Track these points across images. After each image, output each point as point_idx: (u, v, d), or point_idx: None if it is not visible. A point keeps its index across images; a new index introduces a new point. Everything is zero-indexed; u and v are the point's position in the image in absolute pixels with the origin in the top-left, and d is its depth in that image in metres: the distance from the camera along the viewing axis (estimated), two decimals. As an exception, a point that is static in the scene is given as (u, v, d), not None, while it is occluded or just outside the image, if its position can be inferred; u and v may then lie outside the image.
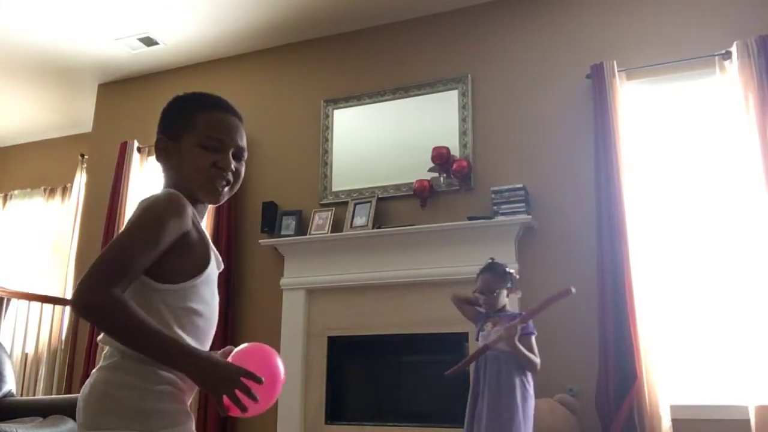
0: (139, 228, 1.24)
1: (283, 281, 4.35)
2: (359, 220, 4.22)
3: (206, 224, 4.55)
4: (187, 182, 1.38)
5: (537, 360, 2.77)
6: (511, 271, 2.95)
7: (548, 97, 4.08)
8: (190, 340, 1.26)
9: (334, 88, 4.67)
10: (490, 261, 2.99)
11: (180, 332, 1.25)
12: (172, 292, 1.27)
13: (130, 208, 4.93)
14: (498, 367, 2.75)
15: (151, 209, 1.26)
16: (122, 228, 1.29)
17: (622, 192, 3.61)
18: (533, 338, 2.80)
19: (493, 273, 2.90)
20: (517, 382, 2.73)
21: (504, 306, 2.91)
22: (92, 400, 1.22)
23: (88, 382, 1.26)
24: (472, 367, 2.88)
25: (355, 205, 4.29)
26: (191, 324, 1.28)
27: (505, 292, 2.89)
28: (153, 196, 1.30)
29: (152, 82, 5.37)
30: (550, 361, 3.66)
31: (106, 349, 1.27)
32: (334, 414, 4.09)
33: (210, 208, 4.60)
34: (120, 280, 1.20)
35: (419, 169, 4.16)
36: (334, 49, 4.79)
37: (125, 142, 5.13)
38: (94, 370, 1.27)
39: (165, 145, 1.41)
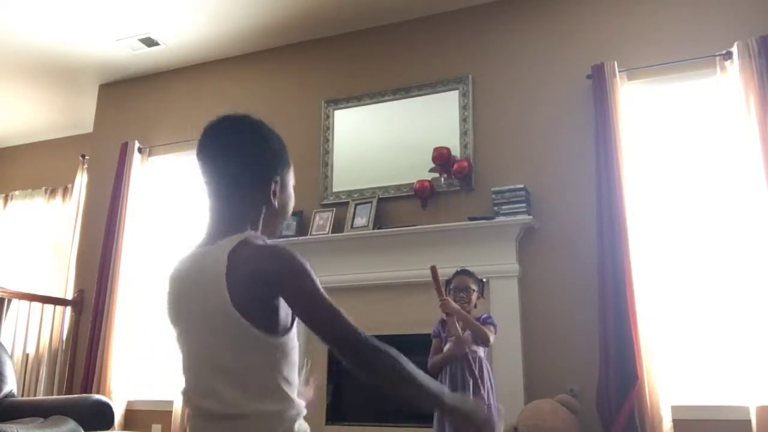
0: (317, 286, 1.27)
1: (284, 282, 4.34)
2: (360, 221, 4.22)
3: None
4: (280, 219, 1.42)
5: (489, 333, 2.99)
6: (483, 279, 3.20)
7: (549, 97, 4.08)
8: (294, 387, 1.31)
9: (334, 89, 4.67)
10: (461, 268, 3.20)
11: (292, 380, 1.31)
12: (284, 344, 1.29)
13: (130, 209, 4.94)
14: (481, 366, 2.95)
15: (301, 264, 1.27)
16: (298, 294, 1.28)
17: (622, 192, 3.61)
18: (492, 327, 3.03)
19: (469, 274, 3.14)
20: (486, 381, 2.96)
21: (469, 311, 3.07)
22: None
23: None
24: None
25: (356, 205, 4.29)
26: (294, 374, 1.32)
27: (476, 294, 3.09)
28: (276, 248, 1.29)
29: (153, 82, 5.38)
30: (551, 362, 3.67)
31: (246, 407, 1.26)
32: (334, 414, 4.09)
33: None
34: None
35: (420, 170, 4.16)
36: (334, 49, 4.79)
37: (126, 143, 5.14)
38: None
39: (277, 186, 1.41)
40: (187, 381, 1.34)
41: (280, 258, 1.27)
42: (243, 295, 1.24)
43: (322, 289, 1.27)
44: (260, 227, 1.38)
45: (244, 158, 1.37)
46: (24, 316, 4.73)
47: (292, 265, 1.26)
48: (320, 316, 1.25)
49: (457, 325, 2.93)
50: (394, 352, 1.24)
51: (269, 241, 1.34)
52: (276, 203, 1.39)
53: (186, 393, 1.34)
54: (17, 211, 6.31)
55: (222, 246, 1.28)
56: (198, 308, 1.29)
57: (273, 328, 1.27)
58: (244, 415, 1.25)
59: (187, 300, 1.33)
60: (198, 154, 1.40)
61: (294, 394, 1.31)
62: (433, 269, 2.89)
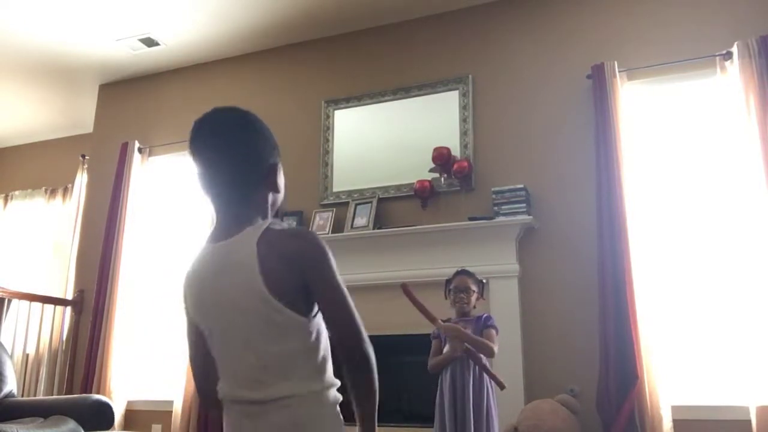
0: (335, 274, 1.29)
1: (284, 282, 4.34)
2: (360, 221, 4.22)
3: (207, 225, 4.55)
4: (279, 202, 1.44)
5: (493, 346, 2.93)
6: (483, 280, 3.18)
7: (549, 97, 4.08)
8: (330, 363, 1.32)
9: (334, 89, 4.67)
10: (461, 268, 3.18)
11: (330, 357, 1.31)
12: (316, 320, 1.30)
13: (130, 209, 4.94)
14: (474, 370, 2.93)
15: (323, 249, 1.29)
16: (321, 276, 1.28)
17: (622, 192, 3.62)
18: (494, 332, 2.99)
19: (469, 275, 3.12)
20: (485, 381, 2.93)
21: (469, 312, 3.07)
22: None
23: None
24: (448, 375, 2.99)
25: (356, 205, 4.29)
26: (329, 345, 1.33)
27: (475, 295, 3.08)
28: (300, 230, 1.33)
29: (153, 82, 5.38)
30: (551, 362, 3.68)
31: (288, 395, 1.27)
32: (334, 414, 4.09)
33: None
34: None
35: (420, 170, 4.16)
36: (334, 49, 4.79)
37: (126, 143, 5.14)
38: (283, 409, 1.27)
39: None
40: (224, 376, 1.34)
41: (304, 240, 1.31)
42: (277, 281, 1.25)
43: (339, 278, 1.29)
44: (269, 214, 1.40)
45: (245, 153, 1.37)
46: (24, 316, 4.73)
47: (315, 249, 1.29)
48: (336, 307, 1.28)
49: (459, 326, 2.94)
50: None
51: (287, 226, 1.37)
52: (279, 188, 1.43)
53: (223, 387, 1.33)
54: (17, 211, 6.31)
55: (247, 235, 1.29)
56: (230, 301, 1.29)
57: (310, 309, 1.29)
58: (287, 397, 1.26)
59: (215, 297, 1.32)
60: (194, 154, 1.38)
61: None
62: (405, 287, 2.88)
